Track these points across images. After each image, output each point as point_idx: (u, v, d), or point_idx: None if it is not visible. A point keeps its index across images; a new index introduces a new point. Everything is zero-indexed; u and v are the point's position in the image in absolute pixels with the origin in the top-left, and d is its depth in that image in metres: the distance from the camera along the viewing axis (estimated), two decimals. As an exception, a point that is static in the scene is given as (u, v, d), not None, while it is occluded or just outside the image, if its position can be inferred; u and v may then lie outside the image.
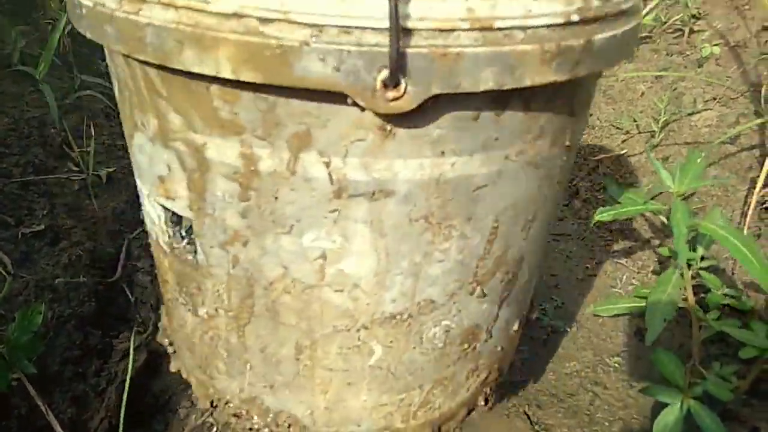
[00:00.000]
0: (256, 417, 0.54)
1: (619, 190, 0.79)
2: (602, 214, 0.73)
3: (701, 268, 0.77)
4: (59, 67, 1.39)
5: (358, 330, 0.45)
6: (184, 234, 0.46)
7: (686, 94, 1.14)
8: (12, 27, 1.31)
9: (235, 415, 0.54)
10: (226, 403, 0.55)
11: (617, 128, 1.24)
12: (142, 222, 1.25)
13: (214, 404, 0.56)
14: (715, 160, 1.01)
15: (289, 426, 0.53)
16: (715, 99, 1.08)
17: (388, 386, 0.50)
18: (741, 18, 1.13)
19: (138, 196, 0.57)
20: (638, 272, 1.04)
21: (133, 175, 1.32)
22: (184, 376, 0.63)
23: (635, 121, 1.19)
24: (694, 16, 1.19)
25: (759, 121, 0.88)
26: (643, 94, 1.23)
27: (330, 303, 0.43)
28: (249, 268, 0.43)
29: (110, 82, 1.48)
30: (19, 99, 1.25)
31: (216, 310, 0.48)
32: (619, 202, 0.76)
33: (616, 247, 1.08)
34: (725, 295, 0.82)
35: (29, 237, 1.00)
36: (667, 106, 1.11)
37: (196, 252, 0.45)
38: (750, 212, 0.89)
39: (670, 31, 1.26)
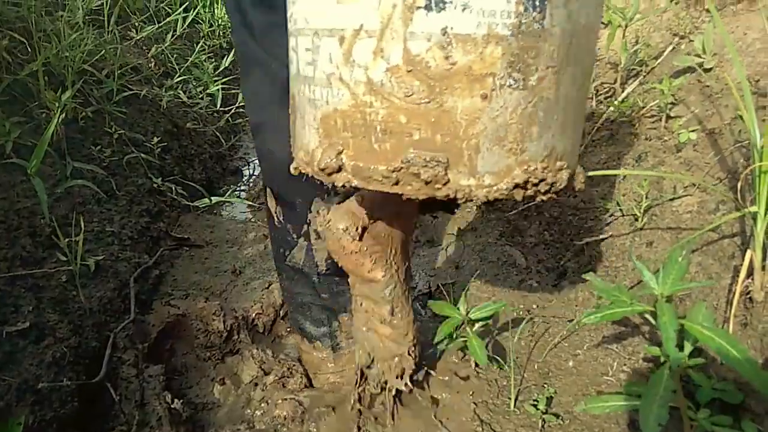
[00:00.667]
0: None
1: (604, 286, 0.80)
2: (588, 317, 0.74)
3: (689, 366, 0.77)
4: (51, 154, 1.41)
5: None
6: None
7: (666, 179, 1.17)
8: (6, 118, 1.33)
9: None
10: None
11: (601, 210, 1.26)
12: (127, 311, 1.24)
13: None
14: (698, 246, 1.03)
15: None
16: (694, 185, 1.10)
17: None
18: (715, 106, 1.18)
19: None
20: (629, 358, 1.04)
21: (120, 262, 1.32)
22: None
23: (618, 204, 1.22)
24: (670, 102, 1.23)
25: (737, 214, 0.90)
26: (624, 177, 1.26)
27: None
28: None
29: (103, 169, 1.47)
30: (10, 189, 1.26)
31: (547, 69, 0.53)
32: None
33: (605, 332, 1.08)
34: (715, 389, 0.82)
35: (14, 335, 0.99)
36: (649, 192, 1.13)
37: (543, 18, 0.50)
38: (735, 302, 0.89)
39: (648, 115, 1.30)
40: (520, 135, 0.54)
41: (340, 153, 0.60)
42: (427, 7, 0.49)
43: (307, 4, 0.57)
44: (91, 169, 1.47)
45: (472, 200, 0.57)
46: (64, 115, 1.47)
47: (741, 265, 0.90)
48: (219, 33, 3.35)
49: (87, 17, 1.86)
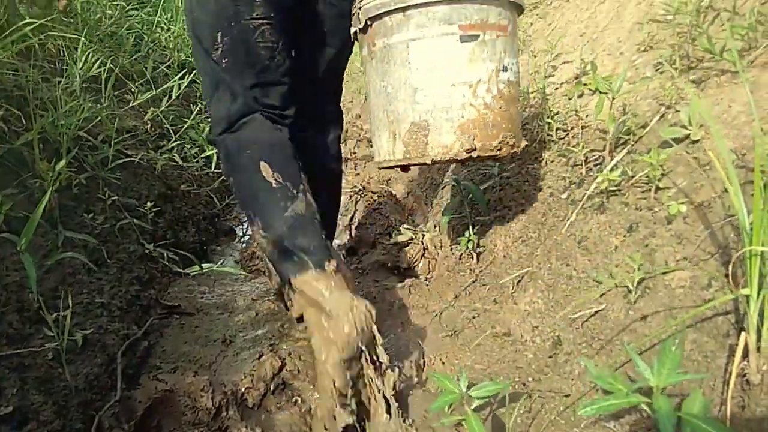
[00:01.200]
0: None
1: (600, 374, 0.79)
2: (585, 409, 0.72)
3: (689, 457, 0.75)
4: (43, 225, 1.41)
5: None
6: None
7: (658, 252, 1.17)
8: (-1, 190, 1.33)
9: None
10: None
11: (594, 281, 1.26)
12: (114, 387, 1.21)
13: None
14: (692, 323, 1.02)
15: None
16: (686, 259, 1.10)
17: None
18: (703, 178, 1.19)
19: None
20: (627, 438, 1.02)
21: (108, 335, 1.30)
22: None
23: (611, 276, 1.21)
24: (659, 173, 1.24)
25: (730, 296, 0.90)
26: (616, 248, 1.26)
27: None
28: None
29: (94, 237, 1.46)
30: (0, 264, 1.25)
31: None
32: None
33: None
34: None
35: (-5, 421, 0.96)
36: (641, 265, 1.13)
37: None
38: (732, 384, 0.88)
39: (638, 185, 1.32)
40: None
41: (474, 139, 1.19)
42: (504, 70, 1.20)
43: (440, 68, 1.17)
44: (82, 239, 1.46)
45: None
46: (57, 184, 1.48)
47: (736, 344, 0.90)
48: (215, 92, 3.40)
49: (84, 84, 1.89)
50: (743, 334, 0.87)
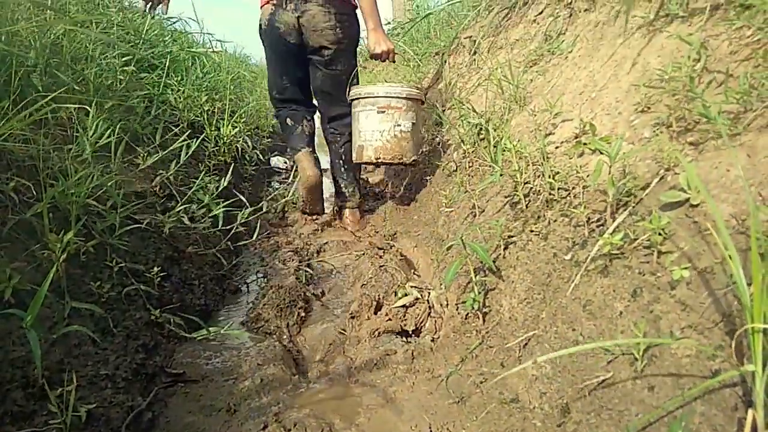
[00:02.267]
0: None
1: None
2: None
3: None
4: (50, 296, 1.42)
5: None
6: None
7: (663, 318, 1.16)
8: (8, 263, 1.35)
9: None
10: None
11: (600, 348, 1.24)
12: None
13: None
14: (700, 394, 1.00)
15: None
16: (691, 327, 1.10)
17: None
18: (705, 243, 1.19)
19: None
20: None
21: (113, 408, 1.29)
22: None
23: (617, 343, 1.20)
24: (661, 237, 1.25)
25: (735, 372, 0.89)
26: (621, 313, 1.26)
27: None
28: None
29: (101, 305, 1.47)
30: (6, 337, 1.26)
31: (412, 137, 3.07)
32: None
33: (613, 487, 1.03)
34: None
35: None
36: (646, 332, 1.12)
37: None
38: (744, 462, 0.86)
39: (640, 248, 1.32)
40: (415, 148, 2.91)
41: (380, 155, 2.81)
42: (397, 125, 2.77)
43: (369, 122, 2.78)
44: (89, 308, 1.47)
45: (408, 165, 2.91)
46: (66, 254, 1.50)
47: (744, 418, 0.88)
48: (224, 150, 3.47)
49: (95, 153, 1.93)
50: (750, 411, 0.85)
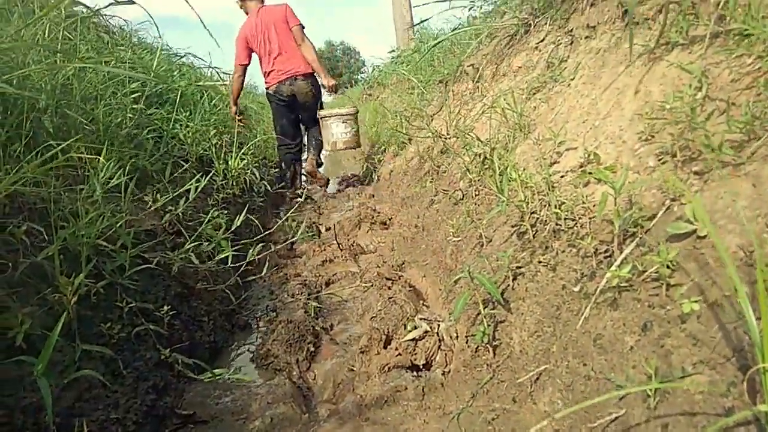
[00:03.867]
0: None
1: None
2: None
3: None
4: (60, 339, 1.43)
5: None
6: None
7: (674, 353, 1.15)
8: (20, 308, 1.37)
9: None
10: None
11: (612, 383, 1.23)
12: None
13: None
14: (716, 433, 0.99)
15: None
16: (703, 362, 1.08)
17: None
18: (713, 275, 1.18)
19: None
20: None
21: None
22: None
23: (628, 378, 1.19)
24: (669, 269, 1.24)
25: (748, 413, 0.88)
26: (632, 348, 1.24)
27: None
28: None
29: (111, 347, 1.47)
30: (18, 384, 1.26)
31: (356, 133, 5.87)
32: None
33: None
34: None
35: None
36: (658, 367, 1.11)
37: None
38: (762, 505, 0.84)
39: (649, 281, 1.31)
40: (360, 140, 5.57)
41: (344, 145, 5.36)
42: (351, 128, 5.32)
43: (337, 128, 5.25)
44: (99, 350, 1.48)
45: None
46: (76, 297, 1.51)
47: (762, 458, 0.87)
48: (232, 183, 3.50)
49: (106, 194, 1.96)
50: (767, 453, 0.84)
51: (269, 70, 5.01)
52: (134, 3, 2.13)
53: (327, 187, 5.69)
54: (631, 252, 1.41)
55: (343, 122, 5.19)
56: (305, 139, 5.69)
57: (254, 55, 5.03)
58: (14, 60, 2.26)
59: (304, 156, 5.67)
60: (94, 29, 4.06)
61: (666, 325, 1.21)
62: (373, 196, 4.81)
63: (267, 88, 5.15)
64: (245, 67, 5.06)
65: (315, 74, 5.10)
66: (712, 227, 1.09)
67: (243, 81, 5.17)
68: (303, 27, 4.94)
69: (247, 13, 5.01)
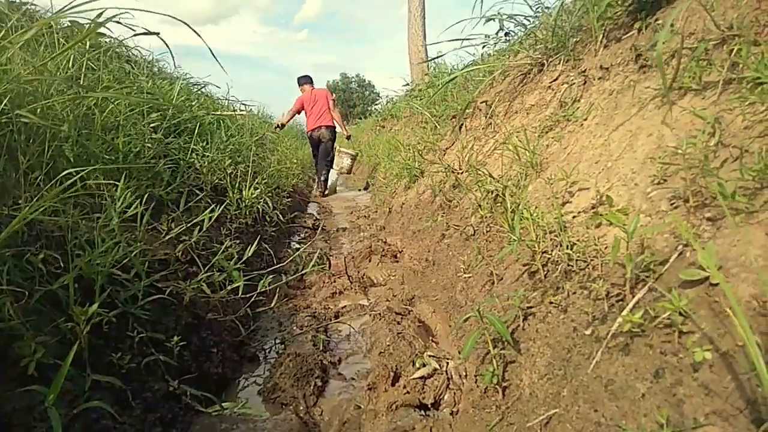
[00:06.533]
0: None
1: None
2: None
3: None
4: (71, 369, 1.43)
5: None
6: None
7: (686, 403, 1.13)
8: (32, 337, 1.38)
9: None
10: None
11: (623, 431, 1.21)
12: None
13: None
14: (729, 488, 0.97)
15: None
16: (715, 413, 1.07)
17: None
18: (725, 324, 1.17)
19: None
20: None
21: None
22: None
23: (639, 426, 1.17)
24: (681, 316, 1.23)
25: (762, 469, 0.86)
26: (643, 395, 1.23)
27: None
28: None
29: (121, 377, 1.47)
30: (28, 414, 1.27)
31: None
32: None
33: None
34: None
35: None
36: (669, 417, 1.10)
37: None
38: None
39: (661, 326, 1.30)
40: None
41: (345, 171, 9.71)
42: (352, 160, 9.78)
43: (344, 160, 9.53)
44: (109, 381, 1.49)
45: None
46: (89, 326, 1.53)
47: None
48: (245, 212, 3.54)
49: (122, 223, 1.99)
50: None
51: (311, 120, 8.80)
52: (158, 34, 2.19)
53: (329, 192, 8.94)
54: (644, 297, 1.41)
55: (348, 158, 9.42)
56: (318, 165, 9.15)
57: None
58: (39, 90, 2.32)
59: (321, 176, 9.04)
60: (117, 59, 4.17)
61: (678, 373, 1.20)
62: (384, 228, 4.82)
63: (307, 131, 9.07)
64: (295, 113, 8.86)
65: (335, 127, 8.93)
66: (723, 276, 1.09)
67: (291, 118, 8.95)
68: (335, 101, 8.97)
69: (302, 92, 8.85)
